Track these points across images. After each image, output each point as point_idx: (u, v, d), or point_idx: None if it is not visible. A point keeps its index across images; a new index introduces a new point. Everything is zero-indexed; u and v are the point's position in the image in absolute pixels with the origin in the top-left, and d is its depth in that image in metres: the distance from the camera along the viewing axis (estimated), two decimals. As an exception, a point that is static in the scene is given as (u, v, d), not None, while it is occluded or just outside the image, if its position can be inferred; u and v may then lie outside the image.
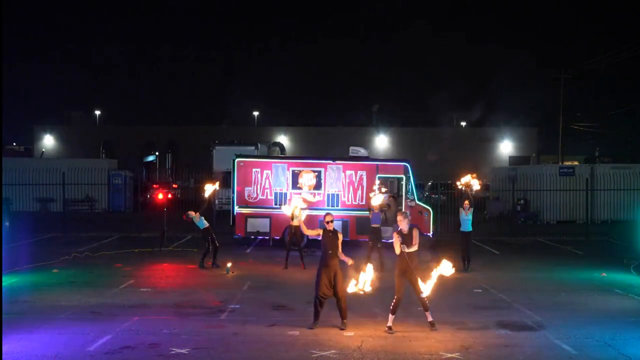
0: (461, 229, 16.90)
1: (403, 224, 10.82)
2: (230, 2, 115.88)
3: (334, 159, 21.79)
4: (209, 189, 18.13)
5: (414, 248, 10.71)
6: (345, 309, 10.87)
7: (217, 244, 17.42)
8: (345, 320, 10.84)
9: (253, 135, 50.57)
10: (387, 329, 10.77)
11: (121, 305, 12.57)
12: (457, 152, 54.37)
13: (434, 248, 21.37)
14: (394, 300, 10.86)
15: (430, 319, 10.89)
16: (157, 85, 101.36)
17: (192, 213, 17.54)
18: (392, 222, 21.10)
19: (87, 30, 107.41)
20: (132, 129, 57.42)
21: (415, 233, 10.82)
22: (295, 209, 15.39)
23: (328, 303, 11.04)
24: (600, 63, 46.67)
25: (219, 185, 18.54)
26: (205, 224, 17.36)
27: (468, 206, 16.74)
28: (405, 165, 21.66)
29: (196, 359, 9.29)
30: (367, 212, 18.19)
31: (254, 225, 21.13)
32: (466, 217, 16.73)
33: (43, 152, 54.00)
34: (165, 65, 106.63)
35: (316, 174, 21.22)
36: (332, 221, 11.24)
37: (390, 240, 20.79)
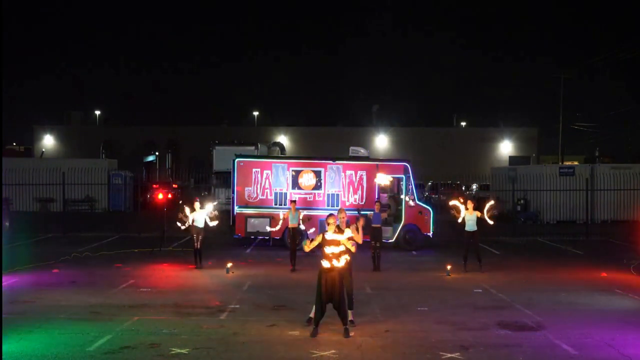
0: (466, 228, 16.85)
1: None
2: (230, 4, 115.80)
3: (334, 159, 21.78)
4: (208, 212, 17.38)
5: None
6: (346, 316, 10.53)
7: (200, 247, 17.18)
8: (347, 327, 10.44)
9: (253, 135, 50.59)
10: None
11: (121, 305, 12.56)
12: (457, 152, 54.41)
13: (434, 248, 21.46)
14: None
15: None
16: (157, 85, 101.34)
17: (197, 205, 17.12)
18: (391, 222, 21.17)
19: (87, 30, 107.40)
20: (132, 129, 57.45)
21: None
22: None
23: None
24: (600, 62, 46.78)
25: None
26: (202, 224, 17.15)
27: (472, 207, 16.73)
28: (405, 165, 21.65)
29: (196, 359, 9.28)
30: (368, 212, 18.16)
31: (254, 225, 21.11)
32: (471, 217, 16.70)
33: (43, 152, 54.01)
34: (165, 66, 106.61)
35: (316, 173, 21.23)
36: (333, 223, 10.56)
37: (390, 241, 20.90)
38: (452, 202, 17.24)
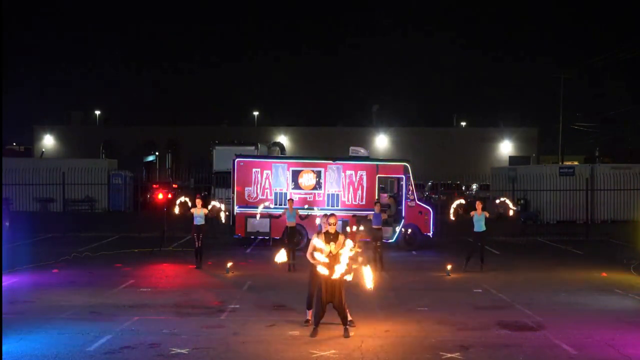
0: (475, 229, 16.88)
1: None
2: (230, 4, 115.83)
3: (334, 159, 21.77)
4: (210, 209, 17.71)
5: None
6: (346, 316, 10.55)
7: (201, 246, 17.18)
8: (347, 327, 10.47)
9: (253, 135, 50.56)
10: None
11: (121, 305, 12.56)
12: (457, 152, 54.40)
13: (434, 248, 21.47)
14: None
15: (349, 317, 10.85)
16: (157, 85, 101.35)
17: (199, 204, 17.17)
18: (391, 223, 21.16)
19: (87, 30, 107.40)
20: (132, 129, 57.42)
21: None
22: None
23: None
24: (600, 62, 46.79)
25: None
26: (202, 221, 17.13)
27: (481, 207, 16.79)
28: (405, 165, 21.64)
29: (196, 359, 9.28)
30: (368, 212, 18.18)
31: (253, 225, 21.10)
32: (479, 218, 16.74)
33: (43, 152, 53.98)
34: (165, 65, 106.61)
35: (316, 173, 21.22)
36: (335, 223, 10.51)
37: (390, 241, 20.88)
38: (453, 206, 17.29)
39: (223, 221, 18.14)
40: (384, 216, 17.80)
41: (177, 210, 18.17)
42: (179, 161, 50.81)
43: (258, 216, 18.62)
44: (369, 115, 63.08)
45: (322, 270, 10.27)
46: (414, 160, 24.94)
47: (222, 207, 18.14)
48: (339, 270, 10.17)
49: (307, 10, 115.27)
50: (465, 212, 17.07)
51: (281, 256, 11.50)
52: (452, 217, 17.54)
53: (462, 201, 17.53)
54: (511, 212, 18.07)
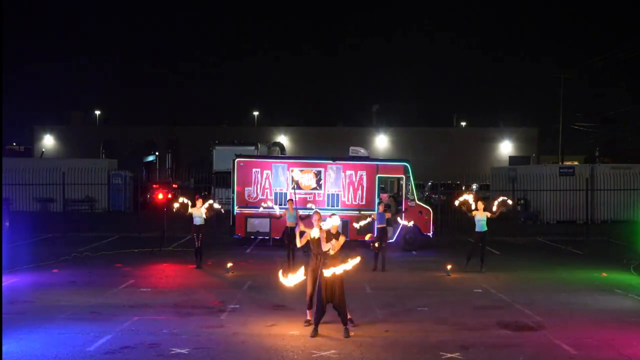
0: (477, 229, 16.88)
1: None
2: (230, 4, 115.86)
3: (334, 159, 21.78)
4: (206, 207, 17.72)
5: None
6: (346, 316, 10.55)
7: (201, 246, 17.21)
8: (347, 327, 10.48)
9: (253, 135, 50.57)
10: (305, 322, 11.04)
11: (121, 305, 12.57)
12: (457, 152, 54.39)
13: (434, 248, 21.48)
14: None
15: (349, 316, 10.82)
16: (157, 85, 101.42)
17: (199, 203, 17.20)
18: (392, 222, 21.15)
19: (88, 30, 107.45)
20: (132, 129, 57.38)
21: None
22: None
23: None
24: (600, 62, 46.80)
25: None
26: (201, 222, 17.17)
27: (483, 208, 16.79)
28: (405, 165, 21.66)
29: (196, 359, 9.29)
30: (372, 212, 18.17)
31: (253, 225, 21.11)
32: (481, 218, 16.74)
33: (43, 152, 53.98)
34: (166, 65, 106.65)
35: (316, 173, 21.22)
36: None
37: (390, 241, 20.87)
38: (461, 198, 17.21)
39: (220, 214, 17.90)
40: (388, 215, 17.80)
41: (176, 206, 17.82)
42: (179, 161, 50.78)
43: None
44: (369, 115, 63.10)
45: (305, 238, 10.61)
46: (414, 160, 24.93)
47: (217, 206, 17.85)
48: (342, 266, 10.32)
49: (307, 10, 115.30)
50: (468, 209, 17.01)
51: (290, 280, 11.14)
52: (456, 204, 17.38)
53: (467, 197, 17.41)
54: (509, 202, 17.95)
